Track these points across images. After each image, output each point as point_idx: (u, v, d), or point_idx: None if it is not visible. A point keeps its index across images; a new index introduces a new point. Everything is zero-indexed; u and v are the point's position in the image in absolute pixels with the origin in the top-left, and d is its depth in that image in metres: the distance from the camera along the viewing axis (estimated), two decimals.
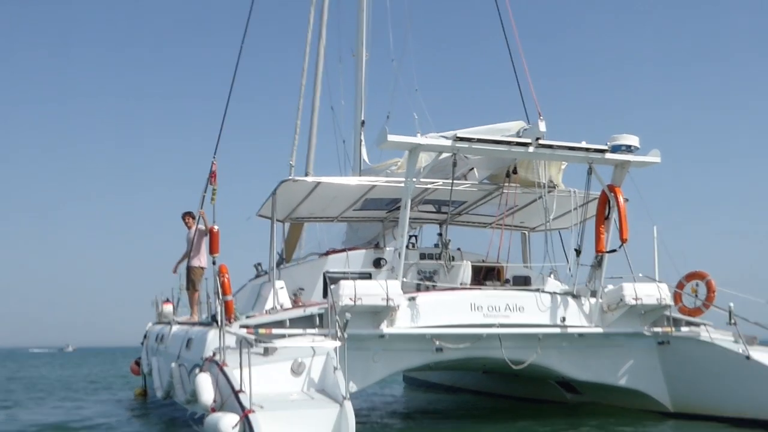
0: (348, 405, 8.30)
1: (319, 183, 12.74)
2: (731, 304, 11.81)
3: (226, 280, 9.88)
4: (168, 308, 15.27)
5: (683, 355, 12.23)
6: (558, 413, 13.26)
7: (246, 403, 7.90)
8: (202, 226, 13.10)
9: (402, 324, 10.96)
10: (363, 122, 16.98)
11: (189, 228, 13.63)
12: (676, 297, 12.69)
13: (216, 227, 11.07)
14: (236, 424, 7.81)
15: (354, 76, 17.51)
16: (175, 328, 13.15)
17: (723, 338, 12.01)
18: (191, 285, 13.44)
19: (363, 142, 16.71)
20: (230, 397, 8.29)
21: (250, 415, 7.73)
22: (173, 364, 11.32)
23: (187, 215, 13.67)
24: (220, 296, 9.70)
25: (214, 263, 10.57)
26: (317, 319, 10.76)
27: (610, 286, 12.33)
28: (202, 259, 13.22)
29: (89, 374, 33.56)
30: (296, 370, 9.10)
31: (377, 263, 13.53)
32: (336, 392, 8.65)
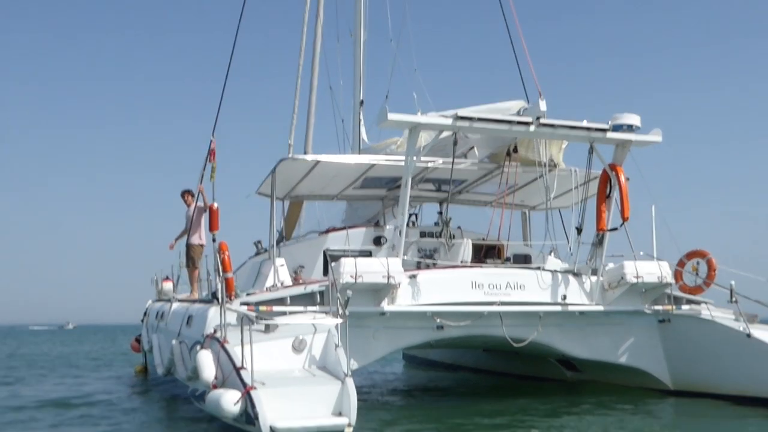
0: (350, 382, 8.32)
1: (318, 162, 12.68)
2: (732, 282, 11.81)
3: (226, 257, 9.87)
4: (168, 286, 15.27)
5: (684, 333, 12.26)
6: (558, 391, 13.32)
7: (247, 380, 7.92)
8: (201, 203, 13.08)
9: (403, 301, 10.96)
10: (362, 102, 16.89)
11: (188, 206, 13.61)
12: (677, 275, 12.69)
13: (216, 204, 11.04)
14: (238, 401, 7.84)
15: (352, 56, 17.40)
16: (175, 305, 13.16)
17: (724, 316, 12.03)
18: (191, 262, 13.43)
19: (362, 122, 16.64)
20: (232, 374, 8.31)
21: (252, 392, 7.75)
22: (174, 341, 11.34)
23: (187, 193, 13.64)
24: (221, 273, 9.69)
25: (214, 240, 10.54)
26: (318, 296, 10.76)
27: (611, 265, 12.33)
28: (201, 237, 13.22)
29: (90, 351, 33.71)
30: (297, 347, 9.13)
31: (377, 241, 13.52)
32: (337, 369, 8.67)
